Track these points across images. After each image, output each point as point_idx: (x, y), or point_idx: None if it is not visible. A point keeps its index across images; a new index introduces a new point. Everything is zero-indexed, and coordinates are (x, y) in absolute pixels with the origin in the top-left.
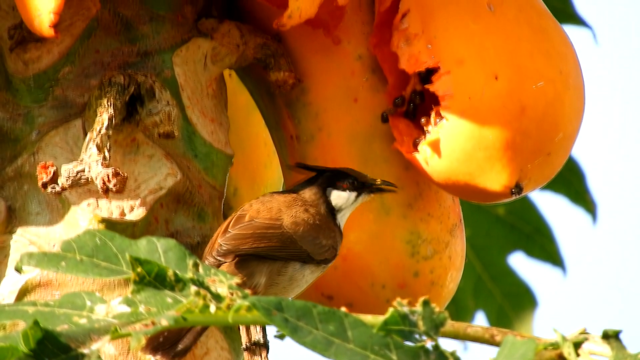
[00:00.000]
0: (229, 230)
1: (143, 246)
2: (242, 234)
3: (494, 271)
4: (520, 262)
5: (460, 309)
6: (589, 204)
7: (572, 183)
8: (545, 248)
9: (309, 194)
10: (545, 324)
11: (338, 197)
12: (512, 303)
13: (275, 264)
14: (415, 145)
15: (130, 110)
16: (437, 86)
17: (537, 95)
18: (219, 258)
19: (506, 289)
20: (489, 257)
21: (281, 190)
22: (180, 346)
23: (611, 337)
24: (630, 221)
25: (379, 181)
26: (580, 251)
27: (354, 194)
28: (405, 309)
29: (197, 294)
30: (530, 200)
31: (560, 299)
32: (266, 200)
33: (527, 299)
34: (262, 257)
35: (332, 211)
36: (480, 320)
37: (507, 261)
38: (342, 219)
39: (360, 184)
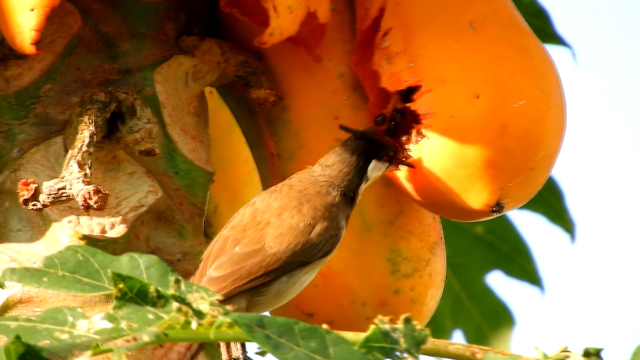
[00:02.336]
0: (208, 271)
1: (125, 262)
2: (219, 276)
3: (472, 290)
4: (498, 281)
5: (438, 328)
6: (567, 223)
7: (550, 202)
8: (523, 267)
9: (338, 167)
10: (523, 343)
11: (374, 167)
12: (490, 322)
13: (256, 288)
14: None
15: (112, 128)
16: (418, 104)
17: (518, 113)
18: None
19: (484, 308)
20: (468, 276)
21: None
22: None
23: (593, 355)
24: (608, 240)
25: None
26: (558, 270)
27: (386, 165)
28: (387, 327)
29: (179, 310)
30: (508, 220)
31: (538, 319)
32: (259, 212)
33: (505, 318)
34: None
35: (358, 183)
36: (458, 339)
37: (485, 280)
38: (362, 189)
39: (394, 155)
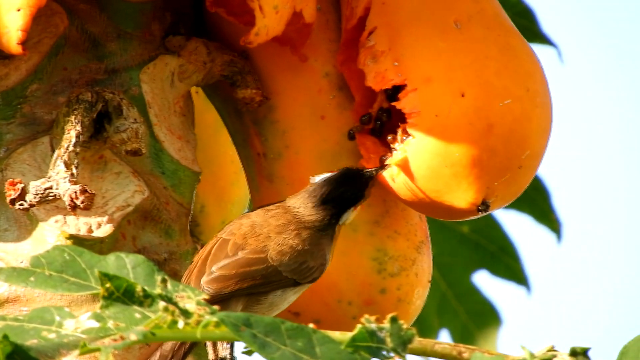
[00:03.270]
0: (212, 269)
1: (112, 262)
2: (225, 275)
3: (459, 289)
4: (484, 281)
5: (424, 328)
6: (553, 223)
7: (537, 202)
8: (509, 267)
9: (314, 216)
10: (510, 342)
11: (348, 216)
12: (476, 322)
13: (254, 294)
14: (381, 163)
15: (98, 128)
16: (403, 103)
17: (504, 112)
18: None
19: (471, 308)
20: (454, 276)
21: (278, 202)
22: None
23: (579, 354)
24: (595, 240)
25: (372, 180)
26: (545, 270)
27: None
28: (373, 326)
29: (166, 309)
30: (495, 219)
31: (525, 318)
32: (257, 224)
33: (492, 317)
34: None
35: (333, 225)
36: (444, 338)
37: (471, 279)
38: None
39: (364, 194)
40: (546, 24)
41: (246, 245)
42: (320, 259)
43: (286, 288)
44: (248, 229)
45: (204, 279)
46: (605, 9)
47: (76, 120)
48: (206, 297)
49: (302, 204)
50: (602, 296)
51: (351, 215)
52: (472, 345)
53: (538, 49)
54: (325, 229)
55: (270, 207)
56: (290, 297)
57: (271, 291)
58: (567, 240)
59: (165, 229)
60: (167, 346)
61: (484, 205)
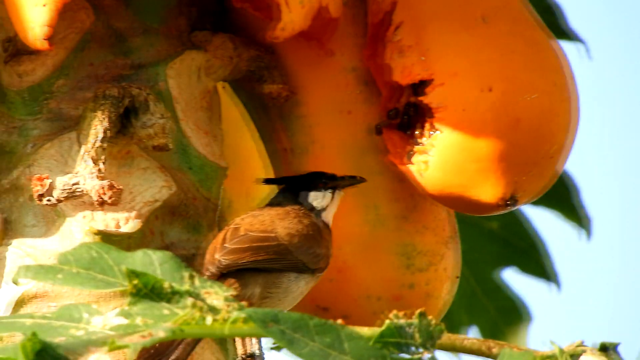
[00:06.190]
0: (225, 245)
1: (139, 258)
2: (239, 247)
3: (488, 286)
4: (513, 277)
5: (453, 324)
6: (583, 219)
7: (565, 198)
8: (539, 263)
9: (292, 203)
10: (539, 338)
11: (315, 197)
12: (505, 318)
13: (271, 276)
14: (409, 157)
15: (125, 123)
16: (430, 98)
17: (531, 107)
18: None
19: (500, 304)
20: (483, 272)
21: (267, 204)
22: (172, 358)
23: (609, 349)
24: (624, 235)
25: (346, 176)
26: (574, 266)
27: (329, 193)
28: (402, 321)
29: (194, 305)
30: (524, 215)
31: (554, 314)
32: (257, 214)
33: (521, 313)
34: (257, 268)
35: (317, 214)
36: (473, 335)
37: (500, 276)
38: (327, 219)
39: (331, 182)
40: (573, 20)
41: (255, 228)
42: (325, 249)
43: (299, 274)
44: (251, 219)
45: (219, 254)
46: (632, 4)
47: (103, 116)
48: (234, 293)
49: (283, 199)
50: (632, 292)
51: (319, 202)
52: (501, 342)
53: (565, 45)
54: (317, 218)
55: (268, 205)
56: (303, 287)
57: (286, 272)
58: (597, 236)
59: (192, 225)
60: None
61: (512, 200)
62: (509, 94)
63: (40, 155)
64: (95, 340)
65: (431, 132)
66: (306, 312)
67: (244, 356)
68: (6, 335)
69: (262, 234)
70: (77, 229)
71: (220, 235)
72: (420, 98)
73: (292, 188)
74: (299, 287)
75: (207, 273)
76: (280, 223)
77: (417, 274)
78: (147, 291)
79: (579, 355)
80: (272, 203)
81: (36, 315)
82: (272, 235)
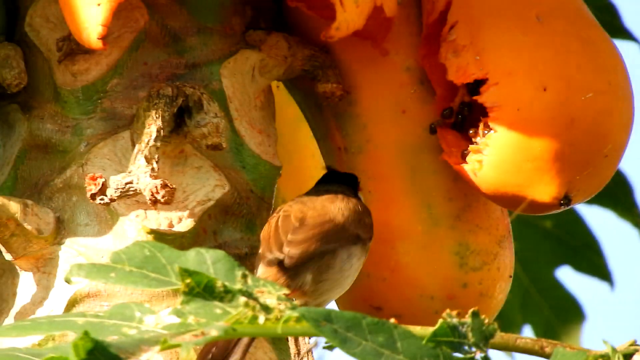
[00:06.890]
0: (287, 238)
1: (192, 257)
2: (303, 238)
3: (542, 285)
4: (568, 276)
5: (507, 323)
6: (637, 218)
7: (620, 197)
8: (593, 262)
9: (344, 191)
10: (593, 337)
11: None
12: (559, 316)
13: (322, 260)
14: (463, 157)
15: (179, 122)
16: (485, 97)
17: (586, 106)
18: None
19: (554, 303)
20: (537, 271)
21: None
22: None
23: None
24: None
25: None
26: (628, 265)
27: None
28: (455, 320)
29: (246, 305)
30: (578, 214)
31: (608, 313)
32: (305, 201)
33: (575, 312)
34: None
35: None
36: (527, 334)
37: (554, 274)
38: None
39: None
40: (629, 19)
41: (307, 215)
42: (370, 217)
43: (350, 251)
44: (300, 205)
45: (285, 248)
46: None
47: (157, 115)
48: (287, 292)
49: (332, 184)
50: None
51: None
52: (554, 341)
53: (620, 44)
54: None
55: (312, 192)
56: (355, 264)
57: (339, 252)
58: None
59: (246, 224)
60: (222, 342)
61: (566, 199)
62: (564, 94)
63: (93, 155)
64: (147, 339)
65: (485, 132)
66: (359, 311)
67: (297, 355)
68: (58, 335)
69: (319, 219)
70: (130, 228)
71: (272, 225)
72: (475, 97)
73: (337, 181)
74: (352, 265)
75: (271, 267)
76: (330, 205)
77: (470, 273)
78: (200, 290)
79: (632, 354)
80: (319, 190)
81: (88, 314)
82: (327, 217)
